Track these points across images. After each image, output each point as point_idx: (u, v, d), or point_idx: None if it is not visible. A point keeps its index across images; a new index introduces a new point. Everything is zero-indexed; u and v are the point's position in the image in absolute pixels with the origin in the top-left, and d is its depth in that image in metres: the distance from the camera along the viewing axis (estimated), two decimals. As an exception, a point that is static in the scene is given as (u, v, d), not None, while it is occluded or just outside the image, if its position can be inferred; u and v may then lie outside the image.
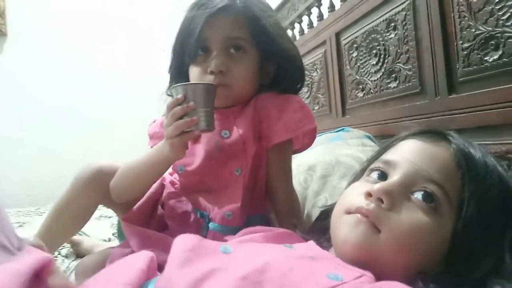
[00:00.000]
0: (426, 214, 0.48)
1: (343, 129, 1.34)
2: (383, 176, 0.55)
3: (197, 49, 0.79)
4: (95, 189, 0.86)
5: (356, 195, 0.53)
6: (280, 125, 0.79)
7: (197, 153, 0.81)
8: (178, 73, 0.86)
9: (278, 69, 0.83)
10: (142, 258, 0.48)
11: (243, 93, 0.81)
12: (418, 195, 0.49)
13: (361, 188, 0.53)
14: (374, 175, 0.56)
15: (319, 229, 0.66)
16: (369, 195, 0.50)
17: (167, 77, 0.90)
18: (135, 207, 0.85)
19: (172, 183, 0.92)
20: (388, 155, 0.57)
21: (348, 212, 0.51)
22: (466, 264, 0.48)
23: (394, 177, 0.52)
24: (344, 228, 0.51)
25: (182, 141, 0.71)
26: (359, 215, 0.49)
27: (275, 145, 0.80)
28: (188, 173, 0.82)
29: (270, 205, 0.87)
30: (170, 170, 0.85)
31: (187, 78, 0.83)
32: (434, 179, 0.50)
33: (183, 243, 0.51)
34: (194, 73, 0.80)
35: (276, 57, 0.82)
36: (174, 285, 0.43)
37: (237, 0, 0.79)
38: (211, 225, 0.79)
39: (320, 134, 1.39)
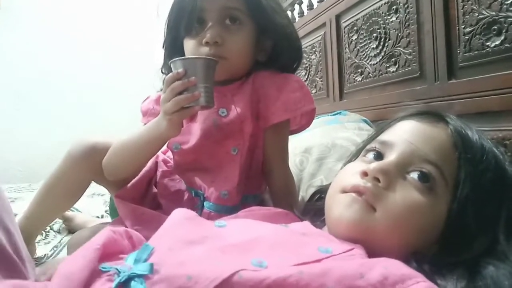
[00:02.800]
0: (422, 193, 0.48)
1: (340, 112, 1.33)
2: (379, 156, 0.55)
3: (192, 20, 0.77)
4: (88, 165, 0.84)
5: (351, 174, 0.53)
6: (279, 105, 0.78)
7: (193, 132, 0.80)
8: (173, 47, 0.84)
9: (275, 46, 0.82)
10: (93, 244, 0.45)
11: (239, 66, 0.80)
12: (414, 175, 0.50)
13: (357, 167, 0.53)
14: (370, 155, 0.56)
15: (314, 211, 0.66)
16: (365, 174, 0.50)
17: (161, 54, 0.88)
18: (129, 184, 0.84)
19: (165, 161, 0.91)
20: (385, 136, 0.57)
21: (344, 191, 0.51)
22: (460, 244, 0.48)
23: (391, 157, 0.52)
24: (339, 206, 0.51)
25: (180, 117, 0.70)
26: (354, 194, 0.49)
27: (272, 125, 0.79)
28: (184, 152, 0.81)
29: (266, 185, 0.87)
30: (163, 148, 0.84)
31: (182, 53, 0.81)
32: (430, 159, 0.50)
33: (180, 212, 0.51)
34: (189, 45, 0.79)
35: (271, 33, 0.80)
36: (164, 241, 0.44)
37: None
38: (206, 204, 0.78)
39: (317, 118, 1.38)
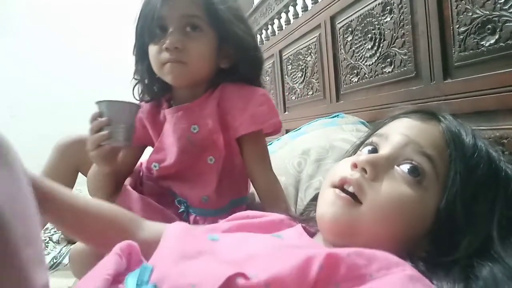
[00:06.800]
0: (410, 186, 0.49)
1: (337, 115, 1.34)
2: (374, 151, 0.55)
3: (155, 28, 0.81)
4: (75, 153, 0.91)
5: (343, 168, 0.53)
6: (246, 117, 0.81)
7: (170, 150, 0.84)
8: (141, 54, 0.87)
9: (236, 54, 0.85)
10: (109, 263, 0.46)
11: (199, 71, 0.82)
12: (404, 168, 0.50)
13: (349, 161, 0.53)
14: (365, 150, 0.56)
15: (312, 212, 0.66)
16: (354, 166, 0.51)
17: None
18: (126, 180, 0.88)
19: (148, 169, 0.92)
20: (380, 130, 0.58)
21: (333, 184, 0.52)
22: (451, 242, 0.48)
23: (385, 149, 0.53)
24: (323, 204, 0.52)
25: (99, 154, 0.74)
26: (337, 191, 0.50)
27: (244, 135, 0.83)
28: (163, 168, 0.85)
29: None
30: (145, 157, 0.90)
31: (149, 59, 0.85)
32: (424, 151, 0.50)
33: (173, 231, 0.51)
34: (152, 51, 0.82)
35: (230, 41, 0.83)
36: (161, 259, 0.44)
37: None
38: (192, 209, 0.82)
39: (314, 120, 1.38)
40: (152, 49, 0.82)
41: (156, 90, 0.89)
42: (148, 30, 0.81)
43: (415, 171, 0.49)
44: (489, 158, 0.52)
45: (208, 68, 0.84)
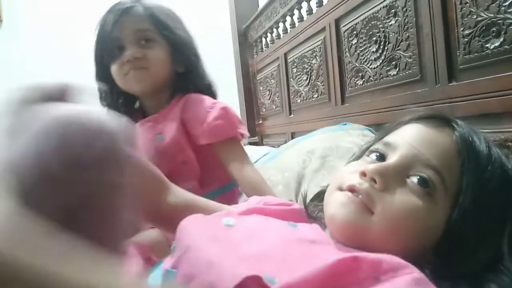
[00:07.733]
0: (420, 198, 0.47)
1: (345, 124, 1.34)
2: (381, 158, 0.54)
3: (113, 48, 0.91)
4: None
5: (351, 173, 0.52)
6: (204, 129, 0.88)
7: None
8: (103, 77, 0.95)
9: (187, 55, 0.95)
10: None
11: (159, 74, 0.93)
12: (414, 179, 0.49)
13: (357, 167, 0.52)
14: (373, 156, 0.55)
15: (318, 211, 0.65)
16: (363, 174, 0.49)
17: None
18: None
19: None
20: (389, 138, 0.56)
21: (340, 189, 0.51)
22: (459, 255, 0.47)
23: (392, 159, 0.51)
24: (333, 204, 0.50)
25: None
26: (350, 194, 0.49)
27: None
28: None
29: None
30: None
31: (113, 80, 0.94)
32: (431, 165, 0.49)
33: (190, 222, 0.52)
34: (114, 69, 0.92)
35: (180, 45, 0.94)
36: (181, 245, 0.45)
37: (137, 2, 0.93)
38: None
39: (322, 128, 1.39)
40: (114, 67, 0.91)
41: (122, 107, 0.98)
42: (108, 51, 0.91)
43: (424, 182, 0.48)
44: (503, 170, 0.50)
45: (167, 72, 0.94)
